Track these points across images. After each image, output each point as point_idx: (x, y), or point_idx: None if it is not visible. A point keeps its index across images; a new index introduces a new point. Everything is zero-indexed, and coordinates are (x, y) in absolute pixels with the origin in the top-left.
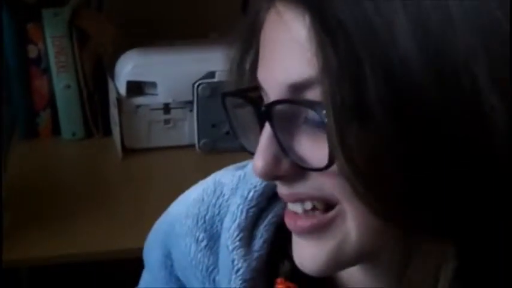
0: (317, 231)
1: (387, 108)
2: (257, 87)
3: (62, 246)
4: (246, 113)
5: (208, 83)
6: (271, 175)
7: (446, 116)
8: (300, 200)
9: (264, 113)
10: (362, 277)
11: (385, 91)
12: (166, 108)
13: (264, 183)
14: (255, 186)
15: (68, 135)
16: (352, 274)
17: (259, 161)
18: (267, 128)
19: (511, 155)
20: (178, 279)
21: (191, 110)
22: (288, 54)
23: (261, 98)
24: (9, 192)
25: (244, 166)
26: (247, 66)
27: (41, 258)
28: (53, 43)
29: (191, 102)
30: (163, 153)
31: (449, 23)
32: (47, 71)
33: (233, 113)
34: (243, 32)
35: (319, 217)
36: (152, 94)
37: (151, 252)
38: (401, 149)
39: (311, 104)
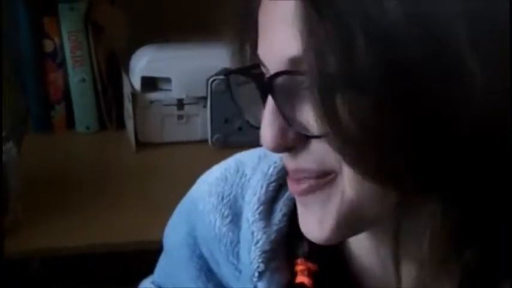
0: (317, 192)
1: (378, 75)
2: (259, 65)
3: (74, 238)
4: (250, 90)
5: (222, 78)
6: (279, 146)
7: (430, 81)
8: (304, 177)
9: (266, 86)
10: (368, 244)
11: (375, 58)
12: (180, 103)
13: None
14: (275, 162)
15: (82, 129)
16: (360, 241)
17: (266, 133)
18: (270, 101)
19: (486, 121)
20: (200, 256)
21: (204, 106)
22: (282, 30)
23: (263, 74)
24: (22, 185)
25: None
26: (248, 45)
27: (52, 249)
28: (68, 37)
29: (205, 98)
30: (176, 148)
31: None
32: (62, 64)
33: (237, 91)
34: (243, 11)
35: (319, 180)
36: (166, 89)
37: (174, 232)
38: (391, 116)
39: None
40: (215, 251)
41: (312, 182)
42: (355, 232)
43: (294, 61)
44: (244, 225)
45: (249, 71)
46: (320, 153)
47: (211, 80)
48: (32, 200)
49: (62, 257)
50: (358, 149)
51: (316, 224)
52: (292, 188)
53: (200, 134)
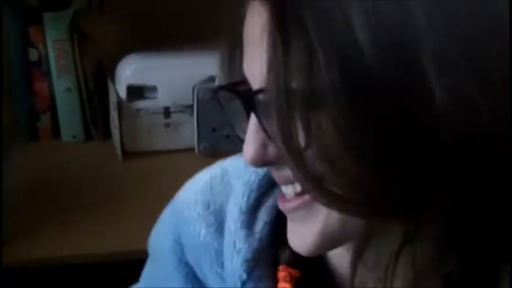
0: (304, 209)
1: (338, 94)
2: (246, 81)
3: (61, 249)
4: (238, 106)
5: (209, 87)
6: (261, 161)
7: (394, 100)
8: (291, 182)
9: (248, 102)
10: (348, 255)
11: (338, 80)
12: (167, 112)
13: (266, 168)
14: (257, 171)
15: (68, 138)
16: (339, 253)
17: (247, 148)
18: (252, 117)
19: (452, 139)
20: (187, 264)
21: (191, 114)
22: (254, 51)
23: (250, 90)
24: (9, 195)
25: None
26: (237, 60)
27: (40, 260)
28: (53, 46)
29: (191, 107)
30: (163, 157)
31: (403, 13)
32: (47, 74)
33: (227, 106)
34: (234, 25)
35: (305, 197)
36: (152, 98)
37: (160, 240)
38: (353, 137)
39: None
40: (201, 259)
41: (299, 200)
42: (338, 245)
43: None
44: (227, 234)
45: (234, 88)
46: None
47: (197, 88)
48: (18, 210)
49: (50, 268)
50: (318, 178)
51: (301, 238)
52: (281, 205)
53: (187, 143)
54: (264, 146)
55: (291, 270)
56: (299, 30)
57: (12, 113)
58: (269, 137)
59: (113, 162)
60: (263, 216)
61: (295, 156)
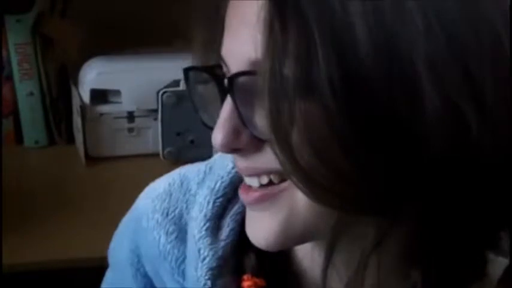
0: (268, 201)
1: (333, 86)
2: (220, 65)
3: (24, 254)
4: (208, 89)
5: (173, 91)
6: (230, 147)
7: (385, 99)
8: (257, 174)
9: (226, 86)
10: (315, 253)
11: (333, 70)
12: (131, 116)
13: (231, 174)
14: (222, 177)
15: (31, 143)
16: (307, 251)
17: (219, 133)
18: (228, 101)
19: (438, 145)
20: (145, 275)
21: (155, 119)
22: (244, 31)
23: (224, 75)
24: None
25: (209, 161)
26: (212, 44)
27: (6, 266)
28: (16, 50)
29: (155, 111)
30: (128, 162)
31: (401, 15)
32: (9, 78)
33: (195, 88)
34: (208, 10)
35: (270, 188)
36: (116, 102)
37: (118, 249)
38: (343, 130)
39: None
40: (160, 269)
41: (265, 191)
42: (301, 241)
43: (254, 63)
44: (191, 241)
45: (212, 70)
46: (272, 156)
47: (161, 92)
48: None
49: (16, 273)
50: (303, 165)
51: (261, 229)
52: (244, 197)
53: (152, 147)
54: (236, 132)
55: (256, 279)
56: (299, 19)
57: None
58: (243, 122)
59: (76, 167)
60: (229, 223)
61: (281, 140)
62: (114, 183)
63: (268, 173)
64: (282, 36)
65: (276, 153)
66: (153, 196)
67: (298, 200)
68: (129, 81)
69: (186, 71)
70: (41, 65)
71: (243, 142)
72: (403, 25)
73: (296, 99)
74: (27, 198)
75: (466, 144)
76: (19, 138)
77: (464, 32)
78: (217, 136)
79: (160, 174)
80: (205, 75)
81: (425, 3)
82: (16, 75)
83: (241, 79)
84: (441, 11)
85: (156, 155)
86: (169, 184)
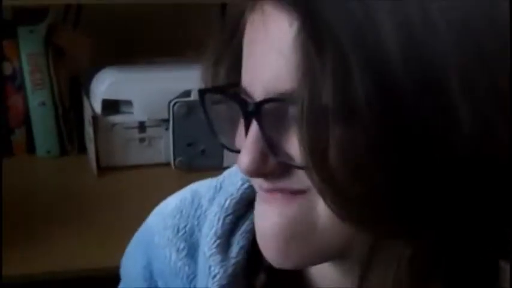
0: (285, 197)
1: (372, 110)
2: (235, 84)
3: (35, 265)
4: (224, 109)
5: (184, 101)
6: (257, 172)
7: (420, 118)
8: (282, 193)
9: (252, 111)
10: (332, 274)
11: (373, 93)
12: (142, 126)
13: (241, 191)
14: (232, 194)
15: (43, 153)
16: (323, 272)
17: (245, 157)
18: (254, 126)
19: (475, 165)
20: None
21: (167, 129)
22: (275, 60)
23: (238, 95)
24: None
25: (219, 177)
26: (225, 65)
27: (13, 276)
28: (28, 60)
29: (167, 121)
30: (139, 171)
31: (431, 28)
32: (21, 88)
33: (210, 109)
34: (223, 32)
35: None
36: (128, 112)
37: (131, 264)
38: (383, 154)
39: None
40: (172, 285)
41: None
42: (319, 258)
43: (284, 90)
44: (201, 259)
45: (229, 91)
46: (303, 178)
47: (173, 102)
48: None
49: (24, 284)
50: (342, 189)
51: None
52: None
53: (163, 157)
54: (263, 157)
55: None
56: (335, 45)
57: None
58: (271, 149)
59: (87, 177)
60: (239, 241)
61: (318, 165)
62: (126, 192)
63: (294, 192)
64: (319, 65)
65: (311, 178)
66: (164, 213)
67: (320, 210)
68: (140, 91)
69: (202, 93)
70: (53, 75)
71: (270, 167)
72: (433, 39)
73: (335, 124)
74: (39, 207)
75: (496, 155)
76: (31, 148)
77: (492, 47)
78: (244, 161)
79: (172, 184)
80: (221, 96)
81: (452, 16)
82: (28, 86)
83: (268, 105)
84: (469, 24)
85: (168, 164)
86: (181, 200)
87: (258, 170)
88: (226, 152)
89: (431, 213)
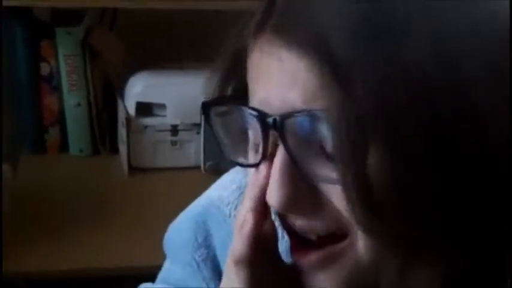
0: (330, 262)
1: (413, 128)
2: (238, 97)
3: (64, 262)
4: (231, 123)
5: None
6: (292, 207)
7: (457, 139)
8: (314, 230)
9: (271, 124)
10: None
11: (410, 108)
12: (174, 129)
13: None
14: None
15: (76, 152)
16: None
17: (277, 191)
18: (281, 154)
19: (506, 177)
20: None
21: (198, 132)
22: (289, 86)
23: (254, 108)
24: (15, 206)
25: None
26: (231, 85)
27: (42, 272)
28: (65, 61)
29: (199, 125)
30: (169, 174)
31: (456, 33)
32: (57, 88)
33: (215, 122)
34: (229, 52)
35: (331, 248)
36: (161, 115)
37: (183, 233)
38: (424, 173)
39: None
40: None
41: (320, 253)
42: None
43: (312, 108)
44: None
45: (251, 107)
46: (335, 213)
47: None
48: (23, 221)
49: (52, 281)
50: (376, 206)
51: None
52: (301, 259)
53: (193, 161)
54: (296, 188)
55: None
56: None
57: (16, 125)
58: (302, 168)
59: (118, 177)
60: None
61: (357, 180)
62: (155, 194)
63: (327, 231)
64: (338, 95)
65: (347, 197)
66: (228, 190)
67: (361, 257)
68: (174, 95)
69: (207, 106)
70: (89, 76)
71: (303, 199)
72: (462, 44)
73: (370, 142)
74: (69, 205)
75: None
76: (64, 146)
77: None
78: (276, 193)
79: (201, 187)
80: (225, 108)
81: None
82: (64, 86)
83: (292, 120)
84: (489, 33)
85: (198, 167)
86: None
87: (293, 204)
88: None
89: (472, 227)
